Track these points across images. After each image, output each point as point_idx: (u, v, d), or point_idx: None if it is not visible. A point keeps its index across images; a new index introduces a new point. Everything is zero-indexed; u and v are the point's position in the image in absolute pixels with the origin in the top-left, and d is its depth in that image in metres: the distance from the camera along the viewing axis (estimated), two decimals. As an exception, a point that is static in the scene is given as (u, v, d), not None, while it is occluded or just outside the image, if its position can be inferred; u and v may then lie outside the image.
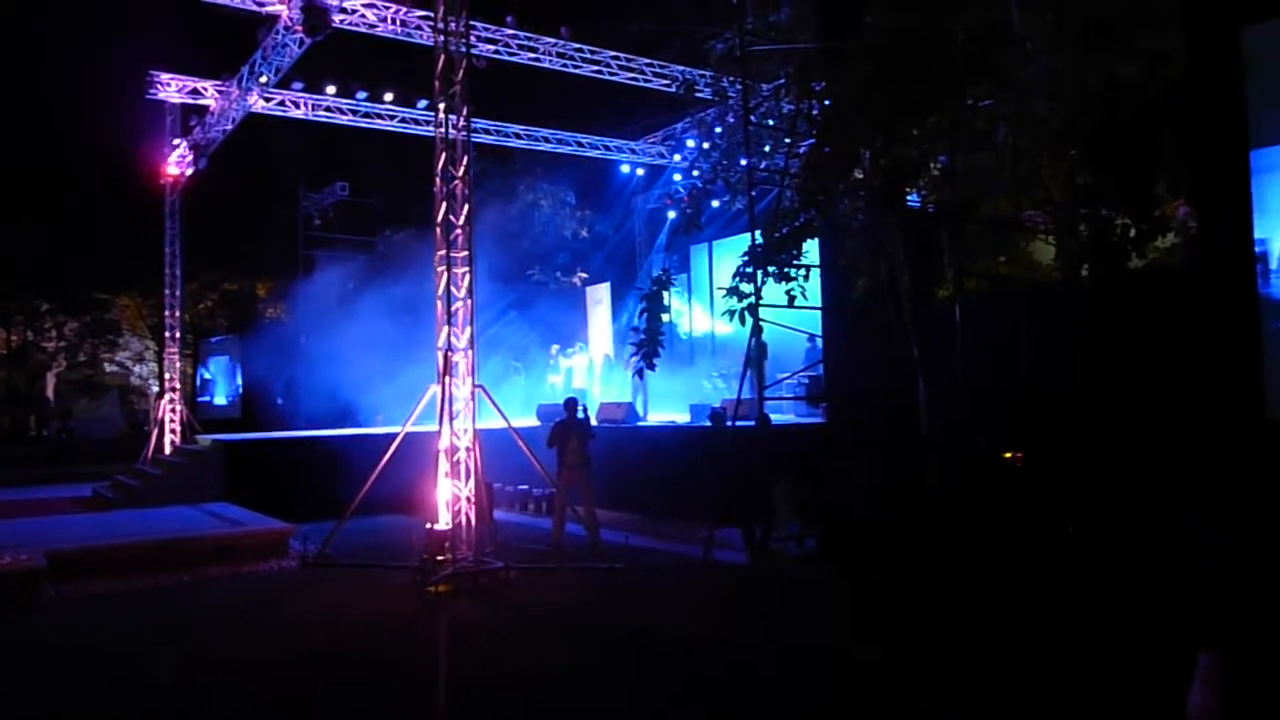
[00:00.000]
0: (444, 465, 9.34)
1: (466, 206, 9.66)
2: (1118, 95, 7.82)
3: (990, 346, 9.58)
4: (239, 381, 27.60)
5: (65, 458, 25.33)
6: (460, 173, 9.65)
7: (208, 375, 30.79)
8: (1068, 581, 7.35)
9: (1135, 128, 7.71)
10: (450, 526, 9.18)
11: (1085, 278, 9.02)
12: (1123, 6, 8.25)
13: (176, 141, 17.29)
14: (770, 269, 9.90)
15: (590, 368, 19.82)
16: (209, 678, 6.34)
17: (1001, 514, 8.16)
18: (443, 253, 9.60)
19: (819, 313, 11.70)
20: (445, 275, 9.59)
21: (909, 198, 10.15)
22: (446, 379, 9.45)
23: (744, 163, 12.56)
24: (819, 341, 13.07)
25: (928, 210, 10.55)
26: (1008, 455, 8.86)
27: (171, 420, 17.58)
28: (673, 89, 16.84)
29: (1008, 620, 7.03)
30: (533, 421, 15.21)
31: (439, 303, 9.61)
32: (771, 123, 12.36)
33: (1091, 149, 8.13)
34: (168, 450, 17.05)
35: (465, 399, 9.54)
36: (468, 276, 9.67)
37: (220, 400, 29.41)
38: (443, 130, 9.64)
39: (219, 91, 16.53)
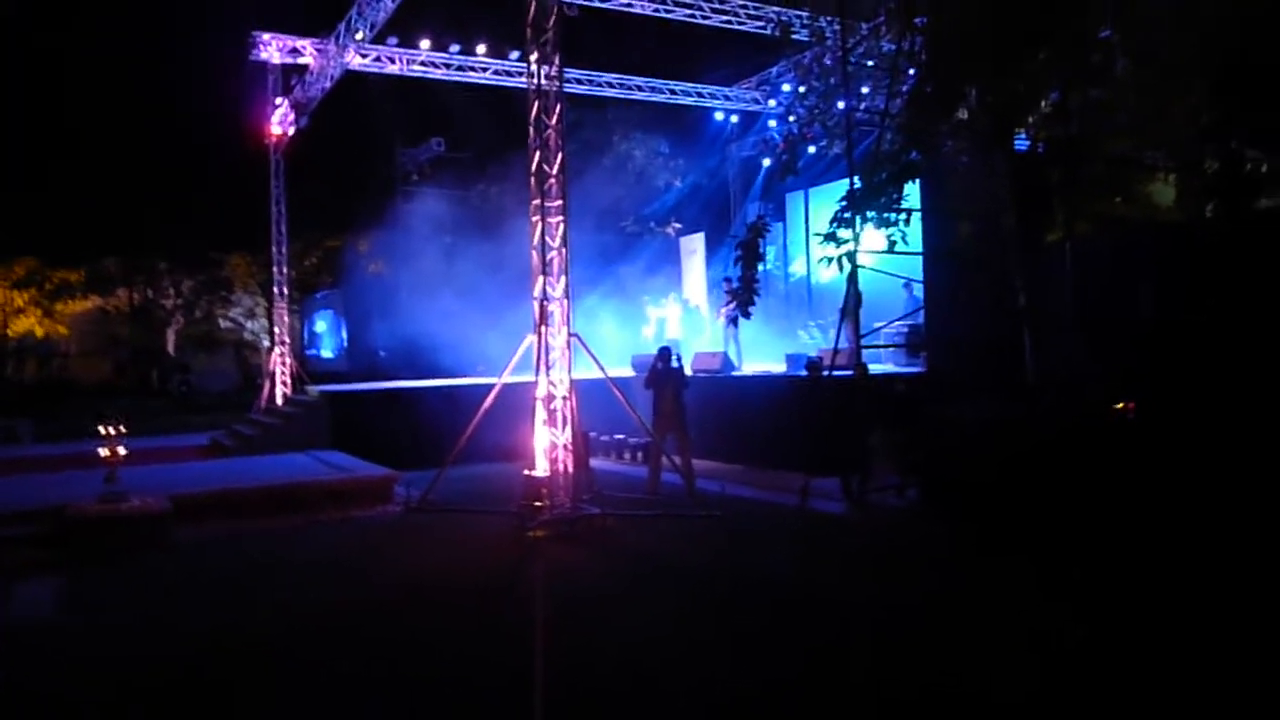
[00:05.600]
0: (541, 414, 9.48)
1: (560, 156, 9.66)
2: (1259, 20, 7.25)
3: (1102, 292, 9.16)
4: (344, 335, 28.54)
5: (186, 408, 26.69)
6: (553, 122, 9.64)
7: (319, 328, 31.93)
8: (1177, 538, 7.04)
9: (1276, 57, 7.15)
10: (548, 473, 9.35)
11: (1209, 218, 8.49)
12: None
13: (279, 101, 17.73)
14: (869, 214, 9.62)
15: (684, 318, 19.75)
16: (321, 614, 6.64)
17: (1112, 467, 7.84)
18: (537, 202, 9.64)
19: (919, 259, 11.37)
20: (540, 225, 9.64)
21: (1015, 137, 9.71)
22: (542, 328, 9.56)
23: (841, 105, 12.18)
24: (916, 288, 12.72)
25: (1036, 150, 10.07)
26: (1119, 405, 8.50)
27: (282, 372, 18.27)
28: (768, 31, 16.36)
29: (1115, 579, 6.78)
30: (627, 372, 15.28)
31: (534, 253, 9.68)
32: (871, 63, 11.95)
33: (1225, 81, 7.58)
34: (279, 401, 17.74)
35: (561, 348, 9.63)
36: (562, 226, 9.70)
37: (327, 353, 30.54)
38: (535, 80, 9.62)
39: (317, 49, 16.84)
